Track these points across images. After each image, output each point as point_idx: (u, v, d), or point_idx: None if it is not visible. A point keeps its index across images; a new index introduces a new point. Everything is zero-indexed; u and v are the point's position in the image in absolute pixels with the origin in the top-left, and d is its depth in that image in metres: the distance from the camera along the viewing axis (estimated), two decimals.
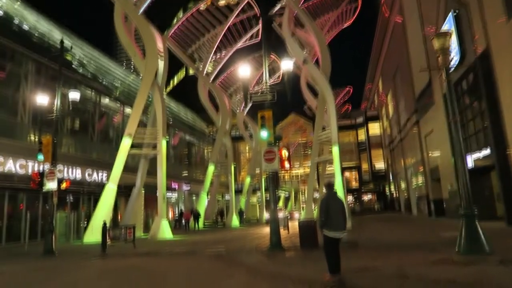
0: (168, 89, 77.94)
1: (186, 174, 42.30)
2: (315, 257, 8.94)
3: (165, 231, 19.67)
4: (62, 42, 14.49)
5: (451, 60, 7.92)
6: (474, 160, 16.52)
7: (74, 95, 13.78)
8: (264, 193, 49.73)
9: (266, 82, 11.44)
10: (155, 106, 21.60)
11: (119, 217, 24.18)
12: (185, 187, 37.85)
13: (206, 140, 49.22)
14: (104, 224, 12.84)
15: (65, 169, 21.74)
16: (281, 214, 24.76)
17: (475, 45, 14.92)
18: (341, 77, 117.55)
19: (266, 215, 30.22)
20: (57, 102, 13.70)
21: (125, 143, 19.94)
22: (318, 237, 10.61)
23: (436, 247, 9.39)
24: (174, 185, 36.12)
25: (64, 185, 13.60)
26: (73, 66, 24.98)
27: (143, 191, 22.49)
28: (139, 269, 9.31)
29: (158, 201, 20.48)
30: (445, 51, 7.41)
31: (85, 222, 21.11)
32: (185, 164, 44.05)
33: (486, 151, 14.85)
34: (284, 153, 11.05)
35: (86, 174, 23.65)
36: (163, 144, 20.88)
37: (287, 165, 11.57)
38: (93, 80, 26.68)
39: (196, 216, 27.68)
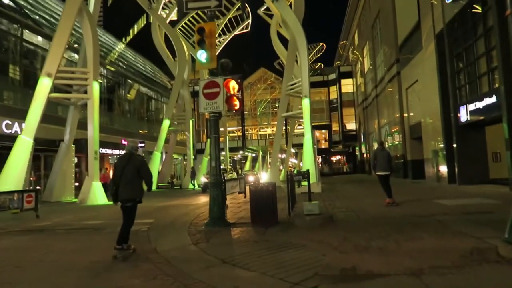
0: (128, 38, 70.43)
1: (145, 132, 38.10)
2: (272, 241, 5.72)
3: (96, 195, 16.04)
4: None
5: None
6: (470, 112, 13.76)
7: None
8: (229, 153, 46.61)
9: None
10: (84, 39, 17.10)
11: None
12: (139, 145, 33.80)
13: (167, 95, 44.58)
14: None
15: None
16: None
17: None
18: (314, 38, 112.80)
19: (202, 179, 22.81)
20: None
21: (44, 85, 15.60)
22: (278, 210, 7.45)
23: (448, 224, 6.43)
24: (125, 143, 32.04)
25: None
26: None
27: (73, 147, 18.52)
28: None
29: (89, 159, 16.67)
30: None
31: None
32: (143, 120, 39.66)
33: (491, 99, 12.00)
34: (233, 86, 7.16)
35: (3, 125, 19.31)
36: (94, 88, 16.70)
37: (236, 103, 7.69)
38: (13, 9, 21.35)
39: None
